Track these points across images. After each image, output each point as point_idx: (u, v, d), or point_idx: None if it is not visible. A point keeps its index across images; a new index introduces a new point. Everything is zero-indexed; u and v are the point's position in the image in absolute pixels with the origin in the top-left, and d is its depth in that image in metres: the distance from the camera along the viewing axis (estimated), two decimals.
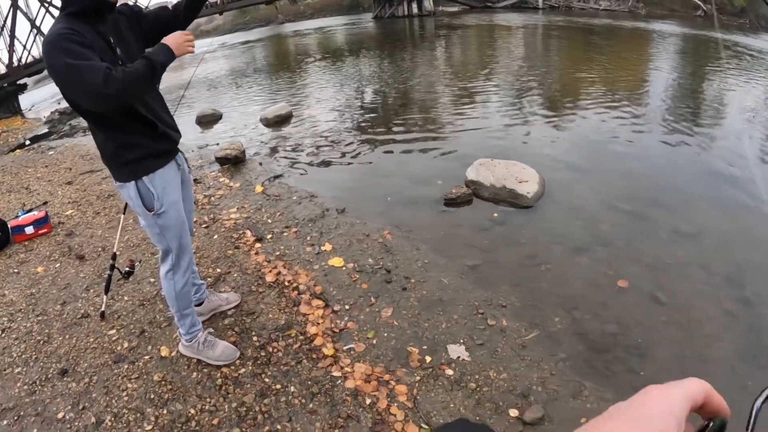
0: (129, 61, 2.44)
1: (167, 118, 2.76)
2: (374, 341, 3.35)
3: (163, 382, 3.10)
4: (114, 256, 3.72)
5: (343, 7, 33.98)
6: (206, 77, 15.29)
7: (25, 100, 18.99)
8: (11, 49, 17.00)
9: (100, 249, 4.89)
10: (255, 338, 3.41)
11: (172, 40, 2.46)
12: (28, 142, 10.73)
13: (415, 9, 27.67)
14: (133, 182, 2.60)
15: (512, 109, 8.60)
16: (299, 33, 24.33)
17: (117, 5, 2.50)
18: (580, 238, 4.52)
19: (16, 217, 5.47)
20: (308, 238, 4.75)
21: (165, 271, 2.92)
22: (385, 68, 13.76)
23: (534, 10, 23.56)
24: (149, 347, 3.42)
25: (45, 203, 6.26)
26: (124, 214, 4.02)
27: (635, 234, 4.52)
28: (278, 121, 9.31)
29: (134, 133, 2.52)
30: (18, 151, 9.72)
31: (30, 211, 5.71)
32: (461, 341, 3.30)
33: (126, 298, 4.00)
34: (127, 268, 3.73)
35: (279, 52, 20.54)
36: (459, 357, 3.16)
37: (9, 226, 5.27)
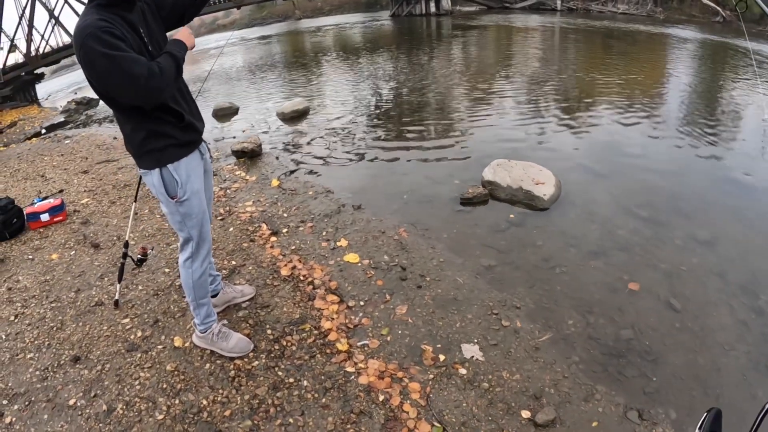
0: (156, 50, 2.45)
1: (193, 108, 2.77)
2: (388, 338, 3.33)
3: (175, 372, 3.09)
4: (126, 244, 3.71)
5: (360, 4, 33.94)
6: (223, 71, 15.34)
7: (42, 89, 19.15)
8: (29, 39, 17.09)
9: (115, 238, 4.89)
10: (269, 331, 3.39)
11: (182, 35, 2.52)
12: (44, 131, 10.80)
13: (432, 8, 27.60)
14: (157, 170, 2.61)
15: (530, 111, 8.55)
16: (316, 29, 24.33)
17: None
18: (595, 242, 4.48)
19: (32, 204, 5.49)
20: (324, 233, 4.73)
21: (184, 259, 2.91)
22: (401, 66, 13.73)
23: (552, 11, 23.40)
24: (162, 337, 3.41)
25: (61, 191, 6.29)
26: (135, 201, 4.01)
27: (651, 239, 4.47)
28: (295, 116, 9.31)
29: (162, 123, 2.53)
30: (34, 139, 9.78)
31: (46, 198, 5.73)
32: (475, 341, 3.27)
33: (140, 287, 3.99)
34: (139, 256, 3.73)
35: (296, 48, 20.56)
36: (473, 356, 3.14)
37: (24, 212, 5.29)
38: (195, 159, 2.76)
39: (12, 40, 16.12)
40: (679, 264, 4.07)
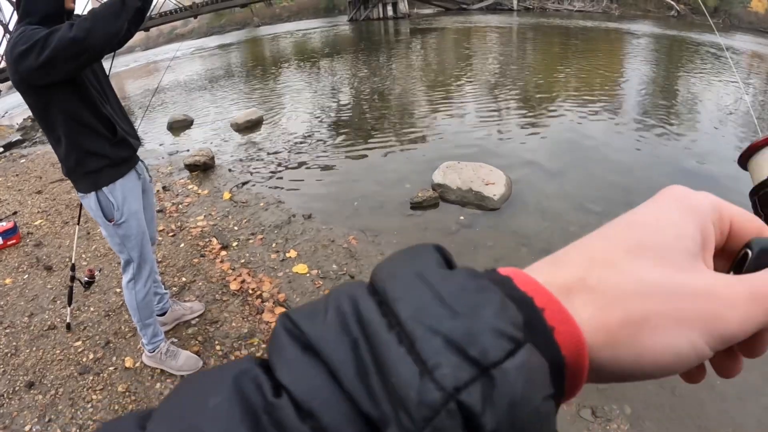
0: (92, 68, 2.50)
1: (126, 123, 2.77)
2: None
3: (127, 393, 3.16)
4: (73, 267, 3.75)
5: (319, 10, 33.84)
6: (180, 81, 15.24)
7: None
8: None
9: (67, 259, 4.90)
10: (218, 347, 3.48)
11: None
12: (1, 150, 10.64)
13: (390, 11, 27.66)
14: (93, 193, 2.63)
15: (486, 112, 8.71)
16: (275, 36, 24.26)
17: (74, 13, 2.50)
18: (547, 240, 4.59)
19: None
20: (273, 244, 4.83)
21: (126, 281, 2.97)
22: (359, 72, 13.82)
23: (509, 11, 23.72)
24: (114, 358, 3.48)
25: (14, 213, 6.26)
26: (78, 224, 4.05)
27: None
28: (249, 126, 9.35)
29: (95, 138, 2.53)
30: None
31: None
32: None
33: (92, 308, 4.05)
34: (86, 278, 3.76)
35: (254, 56, 20.48)
36: None
37: None
38: (131, 179, 2.78)
39: None
40: None
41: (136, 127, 3.00)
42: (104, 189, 2.63)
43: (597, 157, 6.35)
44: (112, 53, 3.28)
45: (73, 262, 3.69)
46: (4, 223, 5.47)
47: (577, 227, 4.74)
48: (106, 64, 2.92)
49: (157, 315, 3.51)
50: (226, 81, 15.01)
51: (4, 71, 17.76)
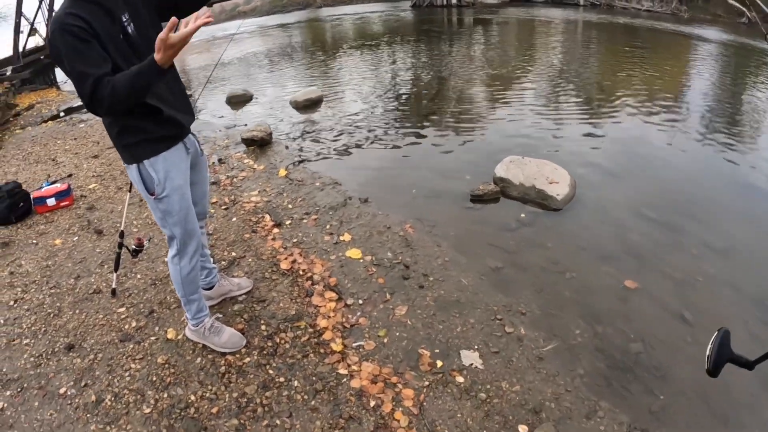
0: (143, 40, 2.29)
1: (178, 100, 2.60)
2: (385, 340, 3.23)
3: (166, 365, 3.05)
4: (122, 234, 3.63)
5: None
6: (240, 57, 15.22)
7: (61, 72, 19.12)
8: (49, 23, 17.11)
9: (118, 225, 4.84)
10: (263, 327, 3.32)
11: (161, 57, 1.98)
12: (62, 114, 10.80)
13: None
14: (135, 165, 2.51)
15: (547, 107, 8.35)
16: (336, 18, 24.09)
17: None
18: (607, 247, 4.33)
19: (40, 188, 5.48)
20: (327, 226, 4.63)
21: (171, 256, 2.83)
22: (420, 58, 13.54)
23: (575, 6, 22.91)
24: (156, 328, 3.36)
25: (70, 176, 6.27)
26: (130, 192, 3.93)
27: (665, 246, 4.30)
28: (308, 105, 9.17)
29: (137, 117, 2.38)
30: (50, 122, 9.79)
31: (54, 182, 5.71)
32: (475, 347, 3.16)
33: (139, 276, 3.95)
34: (134, 246, 3.64)
35: (315, 36, 20.38)
36: (472, 364, 3.03)
37: (32, 197, 5.27)
38: (176, 154, 2.61)
39: (32, 24, 16.13)
40: (692, 273, 3.91)
41: (194, 101, 2.81)
42: (145, 162, 2.49)
43: (658, 163, 5.98)
44: None
45: (122, 229, 3.56)
46: (58, 185, 5.47)
47: (637, 236, 4.47)
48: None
49: (204, 289, 3.37)
50: (286, 59, 14.90)
51: None
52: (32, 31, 16.16)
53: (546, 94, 9.19)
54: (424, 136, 7.20)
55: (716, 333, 1.24)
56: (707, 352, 1.22)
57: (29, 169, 6.79)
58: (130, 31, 2.28)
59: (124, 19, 2.26)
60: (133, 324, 3.41)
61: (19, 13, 15.59)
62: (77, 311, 3.61)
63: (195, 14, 2.19)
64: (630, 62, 11.46)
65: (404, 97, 9.72)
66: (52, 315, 3.60)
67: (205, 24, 2.03)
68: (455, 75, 10.96)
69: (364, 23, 22.08)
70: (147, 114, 2.39)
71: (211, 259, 3.45)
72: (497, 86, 9.86)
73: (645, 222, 4.69)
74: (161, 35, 1.93)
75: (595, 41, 15.54)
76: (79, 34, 2.05)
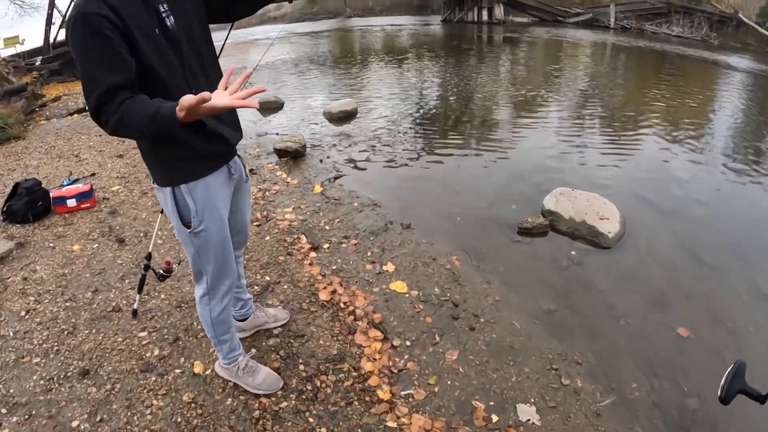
0: (184, 32, 1.91)
1: (228, 114, 2.15)
2: (436, 389, 2.87)
3: (192, 405, 2.70)
4: (149, 256, 3.21)
5: (412, 6, 33.38)
6: (271, 63, 15.04)
7: None
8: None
9: (141, 234, 4.52)
10: (302, 367, 2.95)
11: (186, 103, 1.56)
12: None
13: (485, 16, 27.13)
14: (169, 188, 2.07)
15: (588, 135, 7.98)
16: (366, 28, 23.99)
17: None
18: (660, 290, 4.00)
19: (61, 186, 5.18)
20: (369, 253, 4.25)
21: (200, 296, 2.42)
22: (453, 74, 13.24)
23: (605, 29, 22.64)
24: (182, 359, 3.01)
25: (92, 175, 5.98)
26: (162, 213, 3.56)
27: (717, 291, 3.99)
28: (342, 117, 8.86)
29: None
30: (75, 115, 9.60)
31: (76, 181, 5.43)
32: (532, 400, 2.82)
33: (163, 296, 3.60)
34: (162, 271, 3.06)
35: (345, 46, 20.24)
36: (529, 420, 2.69)
37: (51, 195, 4.98)
38: (220, 179, 2.19)
39: (64, 16, 16.13)
40: (744, 321, 3.61)
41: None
42: (182, 186, 2.05)
43: (707, 199, 5.65)
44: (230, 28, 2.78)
45: (150, 251, 3.14)
46: (80, 185, 5.17)
47: (690, 279, 4.15)
48: (219, 42, 2.34)
49: (238, 320, 3.02)
50: (317, 67, 14.68)
51: None
52: (63, 23, 16.20)
53: (586, 121, 8.83)
54: (465, 159, 6.85)
55: (732, 364, 1.29)
56: (722, 381, 1.25)
57: (51, 164, 6.53)
58: (168, 24, 1.86)
59: (163, 10, 1.86)
60: (156, 352, 3.07)
61: (51, 5, 15.59)
62: (94, 330, 3.28)
63: (243, 78, 1.78)
64: (669, 89, 11.12)
65: (440, 115, 9.39)
66: (66, 332, 3.27)
67: (249, 106, 1.65)
68: (492, 94, 10.67)
69: (395, 35, 21.93)
70: (187, 125, 1.73)
71: (247, 290, 3.09)
72: (537, 108, 9.54)
73: (697, 265, 4.38)
74: (203, 94, 1.53)
75: (631, 66, 15.22)
76: (100, 25, 1.64)
